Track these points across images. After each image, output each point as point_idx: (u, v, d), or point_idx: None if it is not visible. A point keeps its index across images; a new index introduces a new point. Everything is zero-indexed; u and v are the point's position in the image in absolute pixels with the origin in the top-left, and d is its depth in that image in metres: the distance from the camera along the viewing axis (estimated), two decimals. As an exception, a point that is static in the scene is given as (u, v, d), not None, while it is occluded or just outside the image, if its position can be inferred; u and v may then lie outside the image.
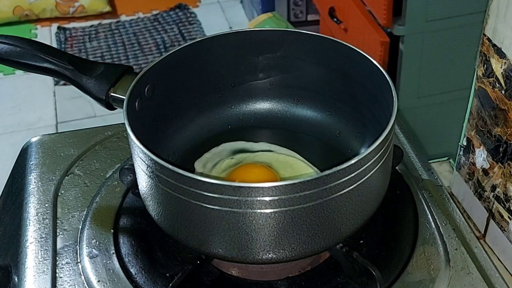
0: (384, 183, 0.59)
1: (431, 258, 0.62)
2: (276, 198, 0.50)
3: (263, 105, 0.73)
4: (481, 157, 0.75)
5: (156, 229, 0.59)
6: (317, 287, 0.60)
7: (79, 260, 0.63)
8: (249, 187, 0.49)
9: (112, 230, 0.65)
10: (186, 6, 2.44)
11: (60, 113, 1.95)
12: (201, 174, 0.66)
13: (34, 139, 0.79)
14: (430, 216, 0.67)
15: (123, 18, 2.40)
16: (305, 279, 0.61)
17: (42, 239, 0.65)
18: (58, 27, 2.33)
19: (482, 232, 0.78)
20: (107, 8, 2.36)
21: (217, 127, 0.72)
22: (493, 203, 0.74)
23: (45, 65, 0.64)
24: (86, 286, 0.60)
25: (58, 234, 0.66)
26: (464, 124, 0.79)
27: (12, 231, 0.69)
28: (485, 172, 0.75)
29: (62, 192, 0.71)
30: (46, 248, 0.64)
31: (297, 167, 0.68)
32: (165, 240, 0.63)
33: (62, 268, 0.63)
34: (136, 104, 0.61)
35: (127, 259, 0.62)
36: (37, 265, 0.63)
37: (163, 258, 0.62)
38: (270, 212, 0.51)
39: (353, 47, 0.64)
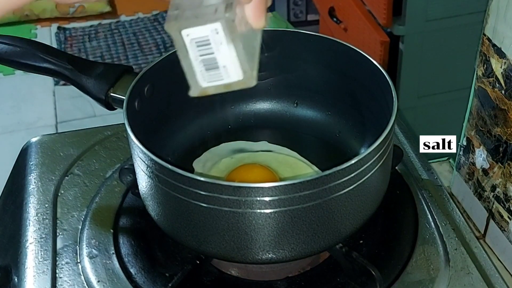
0: (384, 183, 0.59)
1: (431, 258, 0.62)
2: (276, 198, 0.50)
3: (263, 105, 0.73)
4: (481, 157, 0.75)
5: (156, 229, 0.59)
6: (317, 287, 0.60)
7: (79, 260, 0.63)
8: (249, 187, 0.49)
9: (111, 230, 0.65)
10: (186, 6, 2.44)
11: (60, 113, 1.95)
12: (201, 174, 0.66)
13: (34, 139, 0.79)
14: (430, 216, 0.67)
15: (123, 18, 2.40)
16: (304, 279, 0.61)
17: (42, 239, 0.65)
18: (58, 27, 2.33)
19: (482, 232, 0.78)
20: (107, 8, 2.36)
21: (217, 127, 0.72)
22: (493, 203, 0.74)
23: (45, 65, 0.64)
24: (86, 286, 0.60)
25: (58, 234, 0.66)
26: (464, 124, 0.79)
27: (12, 231, 0.69)
28: (485, 172, 0.75)
29: (62, 192, 0.71)
30: (46, 248, 0.64)
31: (297, 167, 0.68)
32: (165, 240, 0.63)
33: (62, 268, 0.63)
34: (136, 104, 0.60)
35: (126, 259, 0.62)
36: (37, 265, 0.63)
37: (162, 258, 0.62)
38: (270, 212, 0.50)
39: (353, 47, 0.64)
